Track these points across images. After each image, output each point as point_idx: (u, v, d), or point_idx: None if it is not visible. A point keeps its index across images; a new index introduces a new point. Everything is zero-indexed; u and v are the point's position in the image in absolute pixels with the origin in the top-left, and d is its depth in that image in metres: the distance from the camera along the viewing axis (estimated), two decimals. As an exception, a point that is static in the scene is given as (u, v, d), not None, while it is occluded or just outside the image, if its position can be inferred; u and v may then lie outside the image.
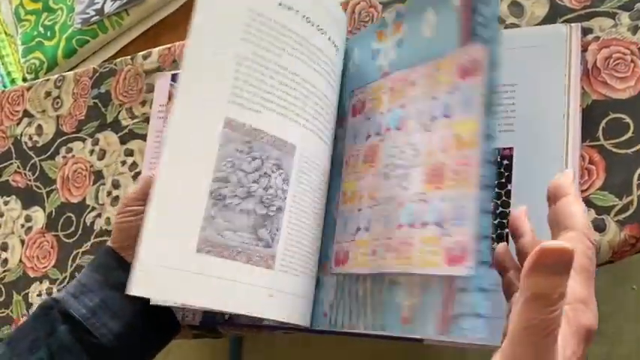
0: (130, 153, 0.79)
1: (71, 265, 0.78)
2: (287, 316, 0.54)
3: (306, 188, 0.56)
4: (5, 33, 1.05)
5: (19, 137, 0.88)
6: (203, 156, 0.52)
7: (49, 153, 0.85)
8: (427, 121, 0.50)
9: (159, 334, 0.61)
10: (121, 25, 0.92)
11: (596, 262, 0.41)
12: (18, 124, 0.89)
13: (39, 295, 0.79)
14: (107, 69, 0.84)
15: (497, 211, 0.55)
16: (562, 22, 0.58)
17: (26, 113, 0.89)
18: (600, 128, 0.56)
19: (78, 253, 0.78)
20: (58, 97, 0.86)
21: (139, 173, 0.77)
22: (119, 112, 0.81)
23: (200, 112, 0.52)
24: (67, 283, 0.77)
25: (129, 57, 0.82)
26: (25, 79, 0.96)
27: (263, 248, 0.53)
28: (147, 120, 0.78)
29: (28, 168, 0.86)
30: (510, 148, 0.55)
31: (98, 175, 0.80)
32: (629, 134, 0.55)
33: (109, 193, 0.79)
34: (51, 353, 0.56)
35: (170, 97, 0.75)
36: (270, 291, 0.54)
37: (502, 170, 0.55)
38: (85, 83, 0.85)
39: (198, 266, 0.50)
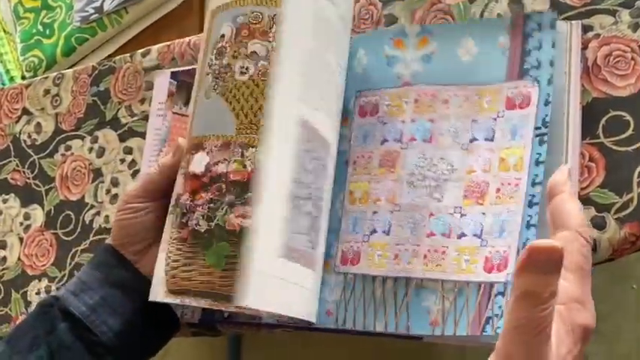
0: (129, 151, 0.79)
1: (70, 263, 0.78)
2: (310, 314, 0.56)
3: (331, 188, 0.59)
4: (4, 31, 1.05)
5: (17, 135, 0.88)
6: (286, 156, 0.53)
7: (47, 151, 0.85)
8: (465, 141, 0.56)
9: (159, 332, 0.61)
10: (120, 23, 0.92)
11: (592, 260, 0.41)
12: (17, 122, 0.89)
13: (38, 293, 0.79)
14: (106, 67, 0.83)
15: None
16: (562, 19, 0.58)
17: (25, 111, 0.88)
18: (600, 126, 0.56)
19: (77, 251, 0.78)
20: (57, 94, 0.86)
21: (137, 171, 0.77)
22: (118, 109, 0.81)
23: (281, 111, 0.53)
24: (66, 281, 0.77)
25: (128, 55, 0.82)
26: (23, 77, 0.96)
27: (312, 250, 0.55)
28: (146, 118, 0.78)
29: (26, 166, 0.86)
30: (511, 146, 0.56)
31: (97, 173, 0.80)
32: (630, 132, 0.55)
33: (108, 191, 0.79)
34: (51, 351, 0.56)
35: (169, 95, 0.75)
36: (315, 294, 0.57)
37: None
38: (84, 81, 0.85)
39: (280, 271, 0.52)
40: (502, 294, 0.51)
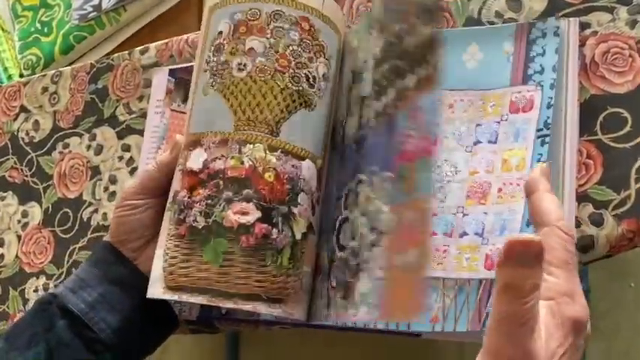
0: (127, 148, 0.79)
1: (68, 261, 0.78)
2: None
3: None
4: (2, 29, 1.04)
5: (15, 133, 0.88)
6: None
7: (45, 148, 0.85)
8: (469, 144, 0.56)
9: (157, 329, 0.61)
10: (119, 22, 0.92)
11: (577, 252, 0.42)
12: (15, 119, 0.89)
13: (35, 290, 0.79)
14: (104, 64, 0.83)
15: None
16: (560, 16, 0.58)
17: (23, 109, 0.88)
18: (598, 123, 0.56)
19: (75, 248, 0.78)
20: (55, 92, 0.86)
21: (135, 169, 0.77)
22: (116, 107, 0.81)
23: None
24: (64, 278, 0.77)
25: (126, 52, 0.82)
26: (21, 75, 0.96)
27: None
28: (144, 115, 0.78)
29: (24, 163, 0.86)
30: (509, 143, 0.56)
31: (95, 171, 0.80)
32: (627, 128, 0.55)
33: (106, 189, 0.79)
34: (49, 349, 0.56)
35: (167, 92, 0.75)
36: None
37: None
38: (82, 79, 0.84)
39: None
40: None
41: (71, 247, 0.79)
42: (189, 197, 0.55)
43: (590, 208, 0.54)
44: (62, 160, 0.83)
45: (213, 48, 0.58)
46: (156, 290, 0.55)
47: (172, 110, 0.73)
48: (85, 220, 0.79)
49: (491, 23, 0.62)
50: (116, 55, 0.83)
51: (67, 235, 0.79)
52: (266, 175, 0.54)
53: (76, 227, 0.79)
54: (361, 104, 0.59)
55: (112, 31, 0.92)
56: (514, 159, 0.54)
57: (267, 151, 0.55)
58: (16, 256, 0.82)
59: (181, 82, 0.74)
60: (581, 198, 0.55)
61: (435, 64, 0.53)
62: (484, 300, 0.51)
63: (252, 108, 0.55)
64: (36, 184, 0.84)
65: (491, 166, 0.55)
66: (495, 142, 0.56)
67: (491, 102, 0.57)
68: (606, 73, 0.57)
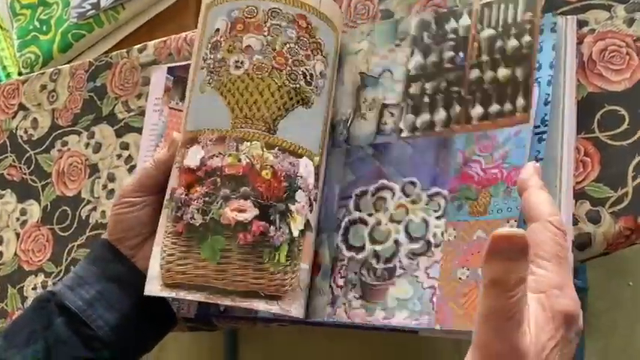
0: (125, 146, 0.79)
1: (66, 259, 0.78)
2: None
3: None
4: (1, 27, 1.04)
5: (14, 131, 0.88)
6: None
7: (44, 146, 0.85)
8: None
9: (155, 327, 0.61)
10: (117, 20, 0.92)
11: (568, 247, 0.42)
12: (13, 117, 0.89)
13: (34, 288, 0.79)
14: (103, 62, 0.83)
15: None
16: (558, 14, 0.58)
17: (21, 107, 0.88)
18: (595, 120, 0.56)
19: (73, 246, 0.78)
20: (54, 90, 0.86)
21: (134, 166, 0.77)
22: (115, 105, 0.81)
23: None
24: (62, 276, 0.77)
25: (124, 50, 0.82)
26: (20, 74, 0.96)
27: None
28: (142, 113, 0.78)
29: (23, 161, 0.86)
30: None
31: (93, 169, 0.80)
32: (625, 126, 0.55)
33: (105, 187, 0.79)
34: (47, 346, 0.56)
35: (166, 90, 0.75)
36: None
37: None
38: (81, 76, 0.84)
39: None
40: None
41: (70, 245, 0.79)
42: (186, 195, 0.55)
43: (587, 206, 0.54)
44: (61, 158, 0.83)
45: (210, 45, 0.58)
46: (153, 287, 0.55)
47: (171, 108, 0.73)
48: (83, 218, 0.79)
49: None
50: (115, 53, 0.83)
51: (66, 233, 0.79)
52: (263, 173, 0.54)
53: (75, 225, 0.79)
54: (381, 110, 0.59)
55: (110, 29, 0.92)
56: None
57: (265, 149, 0.55)
58: (15, 254, 0.82)
59: (180, 80, 0.74)
60: (579, 195, 0.55)
61: (520, 106, 0.53)
62: None
63: (250, 105, 0.55)
64: (34, 182, 0.84)
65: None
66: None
67: None
68: (604, 71, 0.57)
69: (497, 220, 0.51)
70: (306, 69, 0.57)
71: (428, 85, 0.57)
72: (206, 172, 0.54)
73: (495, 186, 0.51)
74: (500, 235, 0.35)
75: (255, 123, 0.55)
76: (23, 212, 0.83)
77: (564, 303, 0.39)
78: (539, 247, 0.41)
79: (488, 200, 0.51)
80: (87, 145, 0.82)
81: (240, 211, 0.52)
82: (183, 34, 0.78)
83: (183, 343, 1.31)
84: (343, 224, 0.58)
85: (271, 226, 0.54)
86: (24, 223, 0.83)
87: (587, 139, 0.56)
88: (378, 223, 0.56)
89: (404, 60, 0.59)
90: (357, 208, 0.58)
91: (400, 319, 0.52)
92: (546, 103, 0.54)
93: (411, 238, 0.54)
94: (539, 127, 0.53)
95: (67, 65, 0.87)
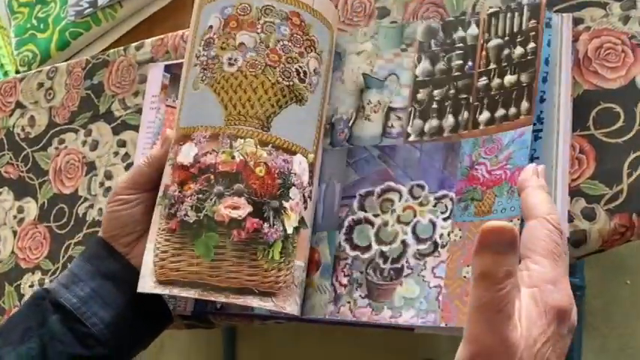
0: (122, 144, 0.79)
1: (63, 256, 0.78)
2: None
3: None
4: (-2, 25, 1.04)
5: (11, 129, 0.88)
6: None
7: (41, 144, 0.85)
8: None
9: (150, 324, 0.61)
10: (115, 18, 0.92)
11: (563, 243, 0.42)
12: (10, 115, 0.89)
13: (31, 286, 0.79)
14: (100, 60, 0.83)
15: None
16: (554, 12, 0.58)
17: (19, 104, 0.88)
18: (591, 118, 0.56)
19: (70, 244, 0.78)
20: (51, 88, 0.86)
21: (131, 164, 0.77)
22: (112, 102, 0.81)
23: None
24: (60, 274, 0.77)
25: (122, 48, 0.82)
26: (17, 72, 0.96)
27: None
28: (139, 111, 0.78)
29: (20, 159, 0.86)
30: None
31: (91, 166, 0.80)
32: (620, 123, 0.55)
33: (102, 184, 0.79)
34: (43, 344, 0.56)
35: (163, 88, 0.75)
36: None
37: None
38: (78, 74, 0.85)
39: None
40: None
41: (67, 243, 0.79)
42: (180, 192, 0.55)
43: (582, 203, 0.55)
44: (58, 155, 0.83)
45: (203, 42, 0.58)
46: (146, 284, 0.55)
47: (167, 106, 0.74)
48: (80, 215, 0.79)
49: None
50: (112, 50, 0.83)
51: (63, 231, 0.80)
52: (257, 170, 0.54)
53: (72, 223, 0.79)
54: (387, 113, 0.60)
55: (108, 27, 0.92)
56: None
57: (258, 146, 0.55)
58: (12, 252, 0.82)
59: (176, 78, 0.74)
60: (574, 192, 0.55)
61: (524, 109, 0.53)
62: None
63: (243, 103, 0.55)
64: (32, 180, 0.84)
65: None
66: None
67: None
68: (599, 69, 0.57)
69: (501, 220, 0.51)
70: (299, 66, 0.57)
71: (436, 92, 0.58)
72: (199, 169, 0.55)
73: (499, 186, 0.52)
74: (490, 228, 0.35)
75: (248, 120, 0.55)
76: (20, 210, 0.83)
77: (557, 298, 0.40)
78: (534, 243, 0.42)
79: (493, 200, 0.52)
80: (84, 142, 0.82)
81: (234, 208, 0.52)
82: (180, 32, 0.78)
83: (182, 342, 1.31)
84: (346, 223, 0.58)
85: (265, 223, 0.54)
86: (21, 220, 0.83)
87: (582, 136, 0.56)
88: (385, 224, 0.56)
89: (411, 65, 0.60)
90: (362, 208, 0.58)
91: (407, 317, 0.53)
92: (542, 100, 0.54)
93: (419, 239, 0.55)
94: (535, 124, 0.53)
95: (64, 63, 0.87)
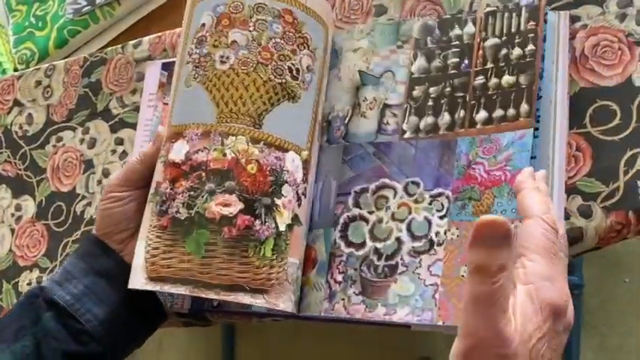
0: (120, 142, 0.79)
1: (61, 254, 0.78)
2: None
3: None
4: (-4, 23, 1.04)
5: (9, 126, 0.88)
6: None
7: (39, 142, 0.85)
8: None
9: (144, 322, 0.61)
10: (113, 16, 0.92)
11: (560, 243, 0.43)
12: (8, 113, 0.89)
13: (29, 284, 0.79)
14: (98, 58, 0.83)
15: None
16: (551, 9, 0.58)
17: (16, 102, 0.88)
18: (587, 115, 0.56)
19: (68, 241, 0.78)
20: (49, 86, 0.86)
21: (128, 162, 0.77)
22: (109, 100, 0.81)
23: None
24: (57, 272, 0.77)
25: (119, 46, 0.82)
26: (16, 70, 0.96)
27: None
28: (137, 109, 0.78)
29: (18, 157, 0.86)
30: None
31: (88, 164, 0.80)
32: (616, 121, 0.55)
33: (99, 182, 0.79)
34: (37, 341, 0.56)
35: (160, 86, 0.75)
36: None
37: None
38: (76, 72, 0.85)
39: None
40: None
41: (65, 241, 0.79)
42: (171, 189, 0.55)
43: (579, 200, 0.54)
44: (56, 153, 0.83)
45: (195, 40, 0.58)
46: (137, 281, 0.55)
47: (165, 104, 0.73)
48: (78, 213, 0.79)
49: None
50: (109, 48, 0.83)
51: (61, 229, 0.80)
52: (249, 167, 0.54)
53: (70, 220, 0.79)
54: (382, 109, 0.59)
55: (106, 25, 0.92)
56: None
57: (250, 143, 0.55)
58: (10, 250, 0.82)
59: (174, 76, 0.74)
60: (571, 190, 0.55)
61: (524, 111, 0.53)
62: None
63: (235, 100, 0.55)
64: (29, 178, 0.84)
65: None
66: None
67: None
68: (596, 66, 0.57)
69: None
70: (292, 64, 0.57)
71: (432, 89, 0.58)
72: (191, 167, 0.54)
73: (499, 187, 0.52)
74: (483, 222, 0.36)
75: (240, 117, 0.55)
76: (18, 208, 0.83)
77: (552, 295, 0.40)
78: (529, 241, 0.42)
79: (492, 201, 0.52)
80: (82, 140, 0.82)
81: (225, 205, 0.52)
82: (177, 30, 0.78)
83: (180, 340, 1.31)
84: (341, 220, 0.58)
85: (256, 220, 0.53)
86: (19, 218, 0.83)
87: (579, 134, 0.56)
88: (380, 220, 0.56)
89: (406, 62, 0.60)
90: (357, 205, 0.58)
91: (402, 315, 0.53)
92: (538, 98, 0.53)
93: (414, 237, 0.55)
94: None
95: (62, 61, 0.87)
